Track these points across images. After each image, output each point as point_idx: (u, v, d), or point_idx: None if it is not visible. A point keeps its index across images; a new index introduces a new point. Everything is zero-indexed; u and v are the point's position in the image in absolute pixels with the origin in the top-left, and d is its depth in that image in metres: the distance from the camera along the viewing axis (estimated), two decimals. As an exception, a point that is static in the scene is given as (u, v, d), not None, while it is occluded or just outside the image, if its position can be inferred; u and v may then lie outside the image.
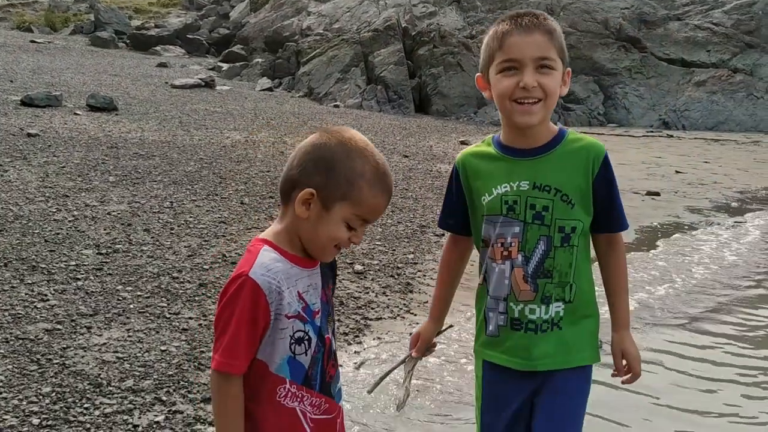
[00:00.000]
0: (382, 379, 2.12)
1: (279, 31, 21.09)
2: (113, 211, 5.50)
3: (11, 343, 3.18)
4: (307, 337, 1.54)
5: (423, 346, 2.07)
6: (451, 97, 16.52)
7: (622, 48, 18.40)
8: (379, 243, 5.58)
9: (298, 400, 1.55)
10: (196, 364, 3.22)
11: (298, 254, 1.56)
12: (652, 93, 17.83)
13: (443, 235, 6.04)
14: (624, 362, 1.89)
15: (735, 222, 7.43)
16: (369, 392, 2.14)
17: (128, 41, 23.16)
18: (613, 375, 1.93)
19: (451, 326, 2.05)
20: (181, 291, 4.07)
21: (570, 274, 1.81)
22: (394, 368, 2.11)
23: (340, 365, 2.04)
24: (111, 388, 2.90)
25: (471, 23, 20.32)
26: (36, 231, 4.80)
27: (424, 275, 4.96)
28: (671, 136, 15.53)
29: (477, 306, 1.95)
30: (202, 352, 3.34)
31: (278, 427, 1.54)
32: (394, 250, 5.46)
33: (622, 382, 1.90)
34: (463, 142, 12.30)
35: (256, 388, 1.52)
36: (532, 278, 1.81)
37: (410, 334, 3.91)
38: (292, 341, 1.52)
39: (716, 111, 17.31)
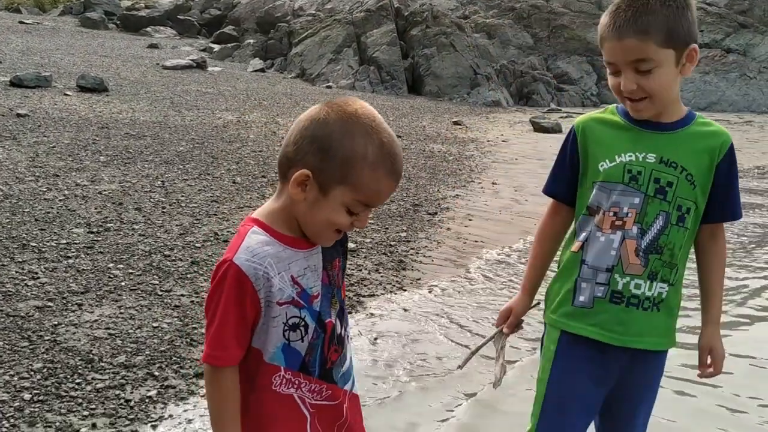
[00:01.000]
0: (472, 354, 2.05)
1: (271, 12, 20.94)
2: (104, 191, 5.47)
3: (2, 320, 3.16)
4: (303, 324, 1.43)
5: (515, 321, 1.96)
6: (444, 78, 16.46)
7: (616, 28, 18.35)
8: (372, 221, 5.57)
9: (295, 386, 1.46)
10: (188, 340, 3.21)
11: (293, 235, 1.43)
12: (645, 73, 17.83)
13: (435, 213, 6.04)
14: (708, 359, 1.84)
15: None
16: (459, 368, 2.09)
17: (118, 22, 22.94)
18: (699, 375, 1.88)
19: (539, 302, 1.94)
20: (173, 269, 4.05)
21: (678, 256, 1.76)
22: (484, 344, 2.04)
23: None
24: (103, 364, 2.89)
25: (464, 3, 20.21)
26: (26, 210, 4.77)
27: (417, 253, 4.96)
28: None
29: (564, 275, 1.84)
30: (194, 328, 3.33)
31: (275, 414, 1.46)
32: (387, 228, 5.45)
33: (699, 376, 1.87)
34: (456, 123, 12.28)
35: (252, 377, 1.44)
36: (644, 252, 1.74)
37: (404, 309, 3.94)
38: (286, 328, 1.41)
39: (709, 91, 17.32)
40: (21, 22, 20.55)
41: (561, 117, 14.13)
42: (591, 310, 1.77)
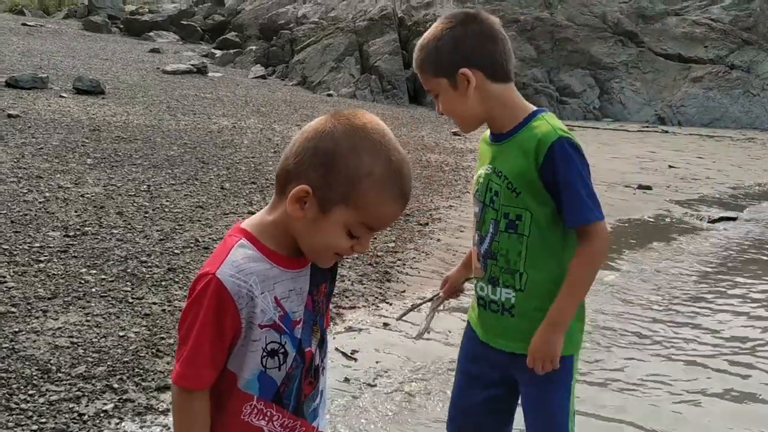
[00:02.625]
0: (409, 310, 2.43)
1: (274, 19, 20.88)
2: (87, 194, 5.35)
3: (-41, 325, 3.04)
4: (282, 350, 1.31)
5: (450, 289, 2.15)
6: (445, 88, 16.35)
7: (620, 42, 18.24)
8: (360, 231, 5.44)
9: (266, 419, 1.33)
10: (154, 350, 3.07)
11: (282, 252, 1.32)
12: (648, 88, 17.69)
13: (427, 224, 5.91)
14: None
15: (724, 217, 7.29)
16: (397, 319, 2.49)
17: (121, 26, 22.90)
18: None
19: (477, 279, 1.94)
20: (147, 275, 3.92)
21: (519, 263, 1.80)
22: (422, 303, 2.31)
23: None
24: (60, 375, 2.75)
25: (468, 14, 20.13)
26: (2, 212, 4.64)
27: (404, 264, 4.82)
28: (666, 131, 15.39)
29: None
30: (162, 338, 3.20)
31: None
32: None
33: None
34: (455, 133, 12.16)
35: (222, 401, 1.32)
36: (483, 257, 1.86)
37: (385, 324, 3.80)
38: (264, 354, 1.30)
39: (712, 107, 17.18)
40: (24, 24, 20.53)
41: (562, 130, 14.00)
42: (473, 304, 1.98)
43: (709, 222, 7.09)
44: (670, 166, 10.50)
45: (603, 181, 8.82)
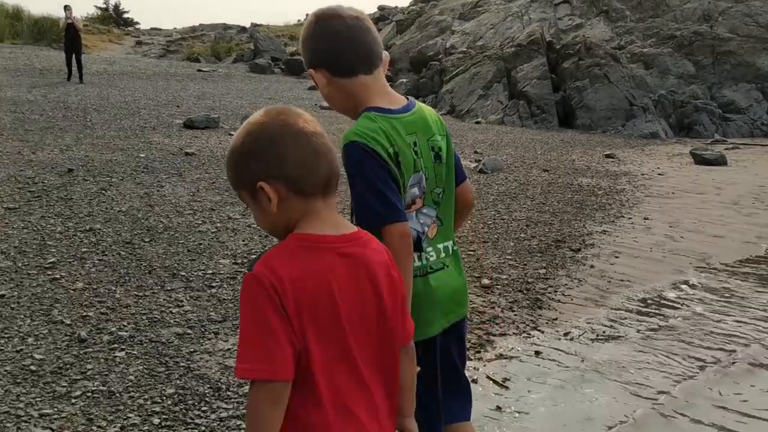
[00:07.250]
0: None
1: (423, 51, 21.38)
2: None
3: (145, 345, 3.39)
4: None
5: None
6: (597, 110, 15.89)
7: (791, 52, 16.85)
8: (510, 257, 5.41)
9: None
10: (312, 372, 3.25)
11: None
12: (828, 99, 16.15)
13: (579, 250, 5.77)
14: None
15: None
16: None
17: (283, 67, 24.44)
18: None
19: None
20: (306, 301, 4.15)
21: None
22: None
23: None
24: (229, 393, 2.99)
25: (619, 33, 19.50)
26: (181, 241, 5.12)
27: (555, 291, 4.74)
28: None
29: None
30: (320, 361, 3.37)
31: None
32: (525, 264, 5.27)
33: None
34: (608, 156, 11.77)
35: None
36: None
37: (536, 352, 3.76)
38: None
39: None
40: (199, 71, 22.53)
41: (727, 148, 13.08)
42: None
43: None
44: None
45: (776, 203, 8.16)
